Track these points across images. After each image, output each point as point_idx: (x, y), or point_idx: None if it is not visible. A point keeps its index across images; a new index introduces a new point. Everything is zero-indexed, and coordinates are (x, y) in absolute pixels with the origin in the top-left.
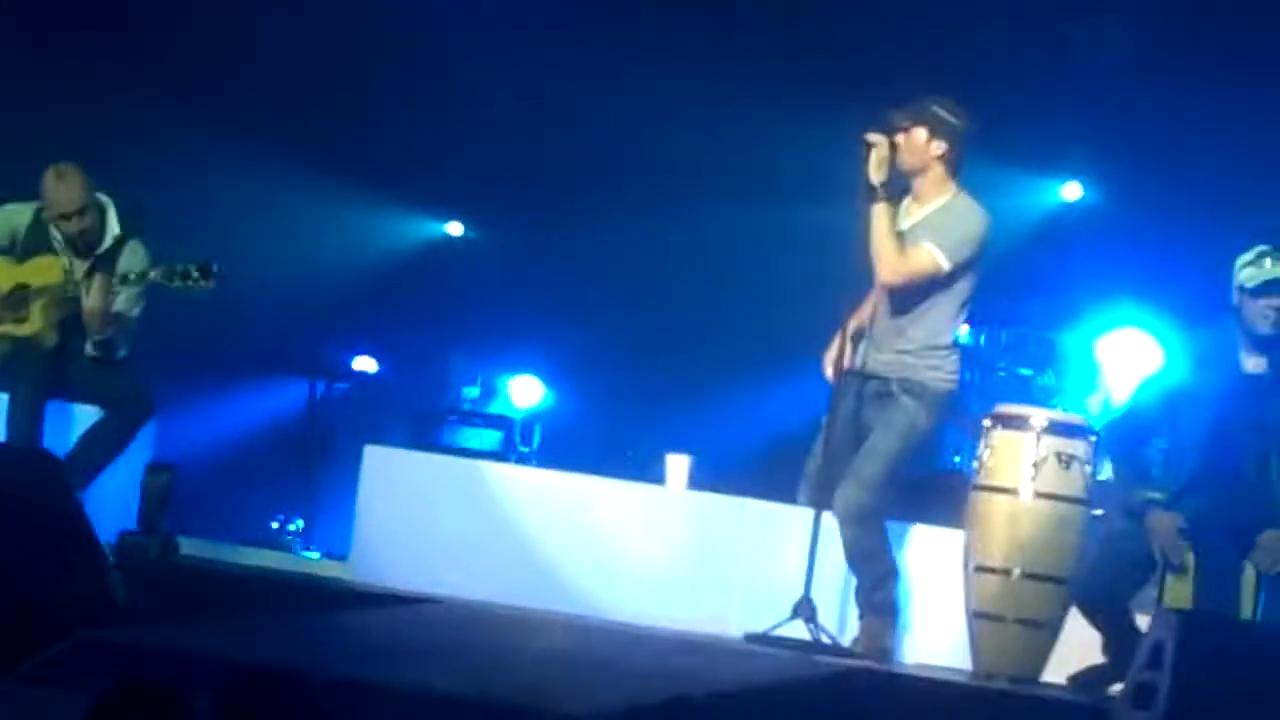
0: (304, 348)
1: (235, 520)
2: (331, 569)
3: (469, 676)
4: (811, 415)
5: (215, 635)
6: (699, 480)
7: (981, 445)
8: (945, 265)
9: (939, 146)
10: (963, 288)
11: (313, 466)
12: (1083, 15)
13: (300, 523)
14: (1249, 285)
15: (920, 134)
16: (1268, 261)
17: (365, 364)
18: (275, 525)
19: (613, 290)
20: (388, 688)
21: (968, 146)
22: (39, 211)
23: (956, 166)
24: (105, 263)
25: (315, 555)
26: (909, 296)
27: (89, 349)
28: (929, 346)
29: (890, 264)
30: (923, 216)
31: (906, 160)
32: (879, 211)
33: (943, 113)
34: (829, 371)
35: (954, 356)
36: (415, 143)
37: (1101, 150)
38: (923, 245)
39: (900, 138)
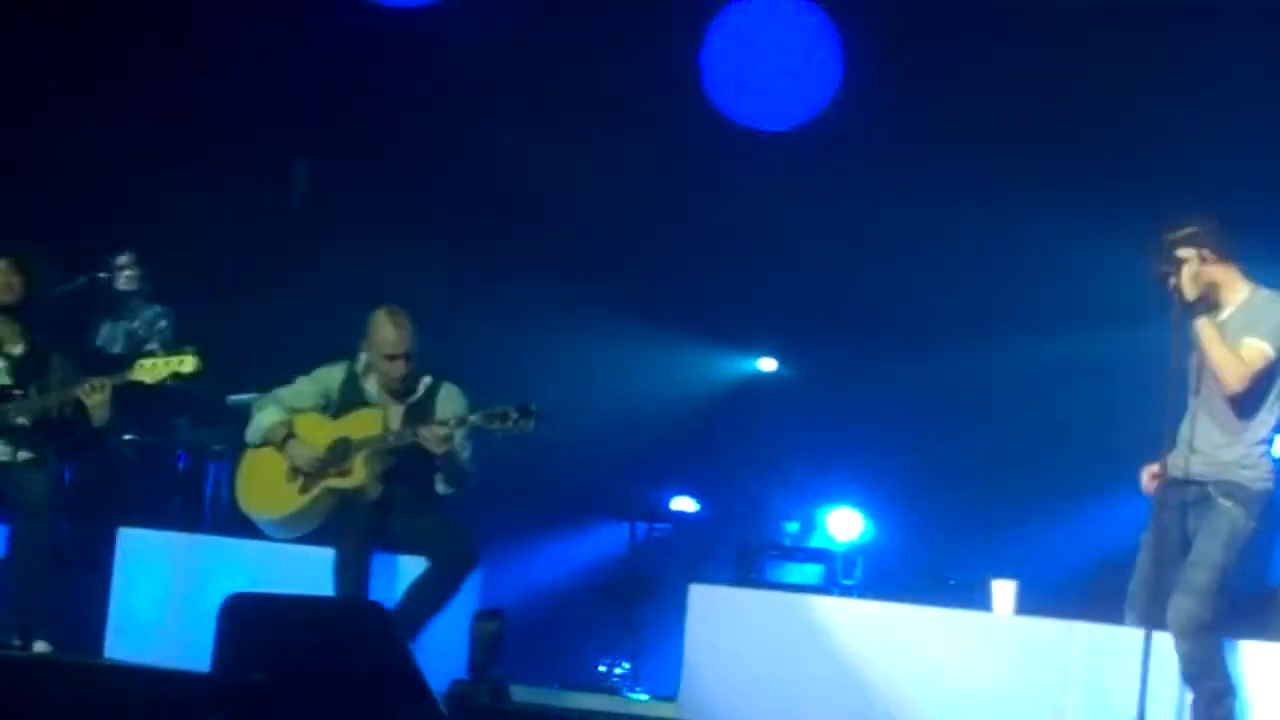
0: (623, 489)
1: (564, 664)
2: (661, 709)
3: None
4: (1135, 534)
5: None
6: (1026, 605)
7: None
8: (1273, 353)
9: (1206, 254)
10: (1271, 383)
11: (637, 608)
12: None
13: (627, 665)
14: None
15: (1187, 254)
16: None
17: (684, 503)
18: (603, 668)
19: (927, 419)
20: None
21: (1232, 239)
22: (351, 366)
23: (1234, 261)
24: (421, 408)
25: (644, 697)
26: (1223, 398)
27: (441, 487)
28: (1243, 446)
29: (1233, 371)
30: (1227, 317)
31: (1212, 275)
32: (1205, 325)
33: (1184, 230)
34: (1145, 481)
35: (1268, 454)
36: (725, 279)
37: None
38: (1245, 341)
39: (1198, 257)
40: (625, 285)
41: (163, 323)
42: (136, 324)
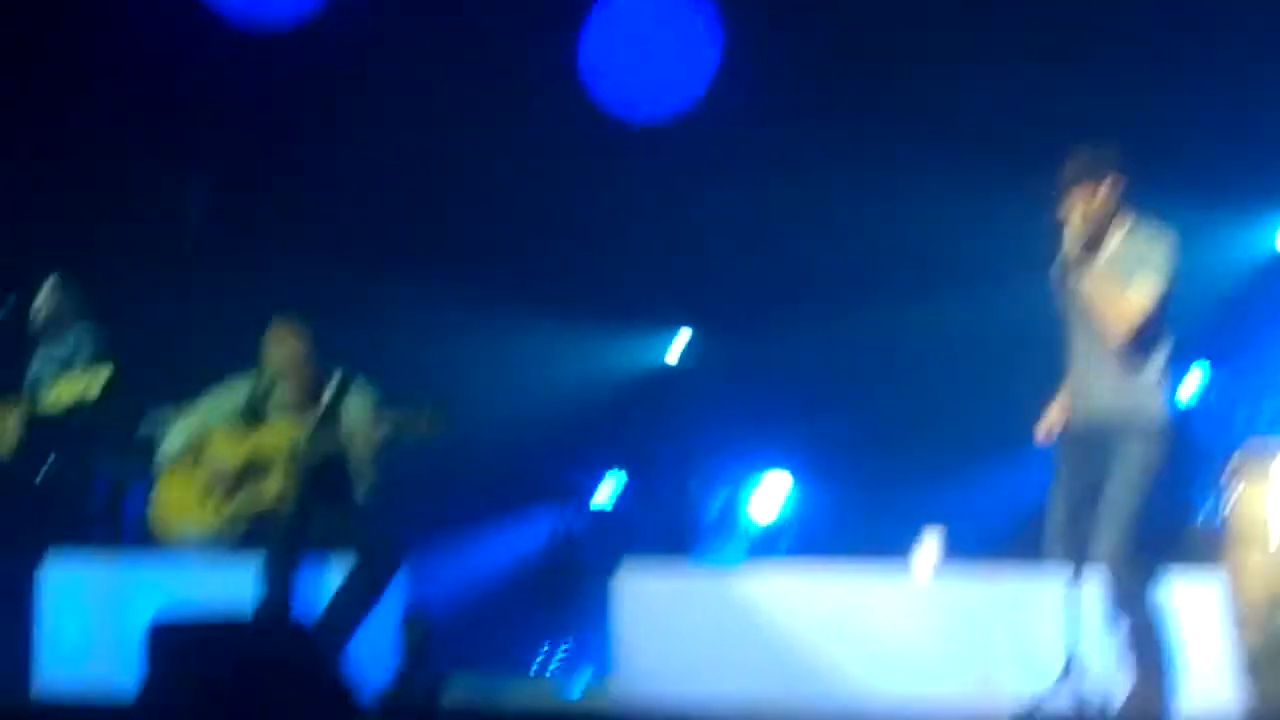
0: (545, 479)
1: (498, 658)
2: (597, 695)
3: None
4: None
5: None
6: (958, 554)
7: (1233, 490)
8: (1161, 288)
9: (1118, 183)
10: (1162, 310)
11: (568, 596)
12: None
13: (561, 653)
14: None
15: (1108, 181)
16: None
17: (609, 487)
18: (539, 659)
19: (846, 382)
20: None
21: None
22: (258, 377)
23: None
24: (331, 414)
25: (580, 684)
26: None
27: (359, 490)
28: (1141, 381)
29: (1126, 315)
30: (1114, 254)
31: (1102, 211)
32: (1095, 273)
33: (1110, 153)
34: (1042, 432)
35: (1165, 385)
36: (631, 259)
37: None
38: (1135, 281)
39: (1089, 194)
40: (531, 271)
41: (86, 341)
42: (64, 349)
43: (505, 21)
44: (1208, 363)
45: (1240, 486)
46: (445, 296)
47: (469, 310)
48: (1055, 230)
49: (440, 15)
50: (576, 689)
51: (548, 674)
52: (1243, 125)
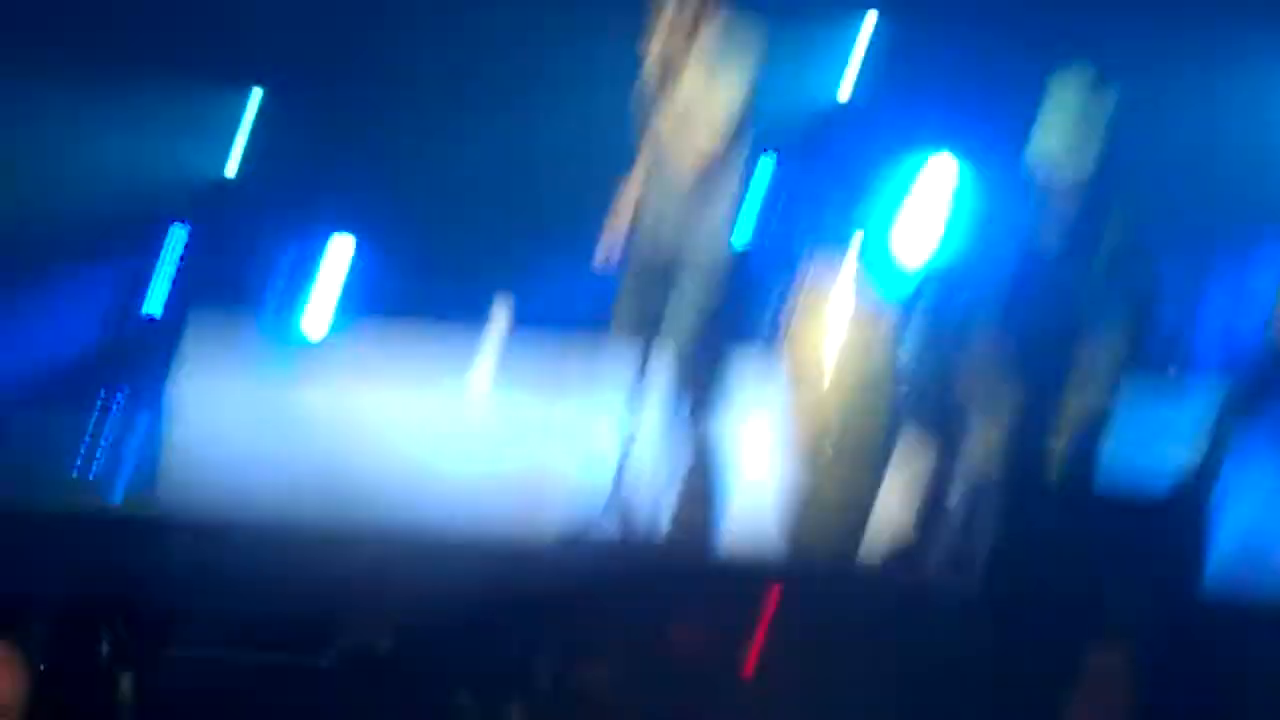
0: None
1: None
2: (141, 500)
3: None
4: None
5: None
6: (528, 321)
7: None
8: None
9: None
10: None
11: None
12: None
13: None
14: None
15: None
16: None
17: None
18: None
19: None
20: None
21: None
22: None
23: None
24: None
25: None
26: None
27: None
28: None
29: None
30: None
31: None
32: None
33: None
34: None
35: None
36: None
37: None
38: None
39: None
40: None
41: None
42: None
43: None
44: None
45: (798, 325)
46: None
47: None
48: None
49: None
50: (118, 492)
51: (89, 476)
52: None
